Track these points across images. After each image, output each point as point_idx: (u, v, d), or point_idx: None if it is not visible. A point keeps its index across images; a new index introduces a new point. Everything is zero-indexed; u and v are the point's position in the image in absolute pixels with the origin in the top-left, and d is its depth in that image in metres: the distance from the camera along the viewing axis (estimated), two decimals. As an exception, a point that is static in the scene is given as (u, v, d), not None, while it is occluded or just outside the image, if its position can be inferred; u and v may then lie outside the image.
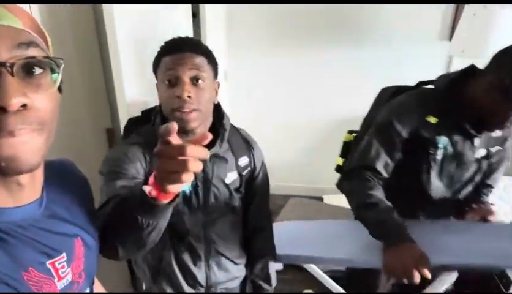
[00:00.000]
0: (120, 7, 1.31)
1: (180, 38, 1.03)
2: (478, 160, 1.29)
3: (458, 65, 2.57)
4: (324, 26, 2.65)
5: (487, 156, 1.30)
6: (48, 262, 0.57)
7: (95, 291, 0.73)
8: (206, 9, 2.14)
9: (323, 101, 2.88)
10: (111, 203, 0.80)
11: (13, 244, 0.53)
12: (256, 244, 1.25)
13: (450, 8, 2.46)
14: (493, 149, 1.30)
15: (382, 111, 1.31)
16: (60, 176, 0.68)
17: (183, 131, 0.98)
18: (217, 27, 2.41)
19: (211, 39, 2.26)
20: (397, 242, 1.09)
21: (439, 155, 1.24)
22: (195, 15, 2.05)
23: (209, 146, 1.01)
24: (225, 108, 1.16)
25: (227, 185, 1.12)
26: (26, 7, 1.10)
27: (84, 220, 0.67)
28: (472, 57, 2.07)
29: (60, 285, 0.59)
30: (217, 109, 1.10)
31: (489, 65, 1.16)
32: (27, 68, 0.48)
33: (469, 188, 1.35)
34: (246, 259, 1.26)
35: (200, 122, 1.00)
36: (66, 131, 1.37)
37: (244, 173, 1.16)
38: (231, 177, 1.12)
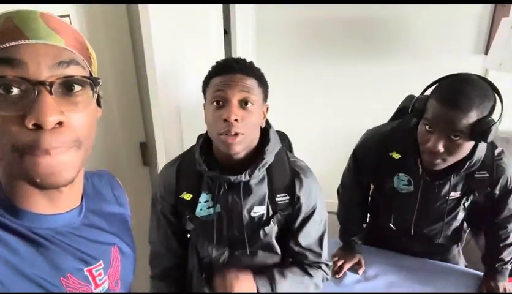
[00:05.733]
0: (156, 20, 1.35)
1: (232, 59, 1.01)
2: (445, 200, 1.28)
3: (495, 79, 2.51)
4: (354, 40, 2.63)
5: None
6: (85, 269, 0.59)
7: None
8: (237, 26, 2.18)
9: (352, 115, 2.84)
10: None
11: (53, 250, 0.54)
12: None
13: (485, 21, 2.40)
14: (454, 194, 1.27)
15: (361, 138, 1.41)
16: (98, 186, 0.70)
17: (225, 155, 0.96)
18: (247, 43, 2.45)
19: (241, 55, 2.30)
20: None
21: (399, 190, 1.31)
22: (226, 32, 2.10)
23: (237, 172, 0.97)
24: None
25: (253, 219, 1.02)
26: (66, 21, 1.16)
27: (120, 229, 0.69)
28: (510, 70, 2.00)
29: (97, 292, 0.60)
30: (264, 134, 1.02)
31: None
32: (66, 86, 0.49)
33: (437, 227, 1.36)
34: None
35: (244, 147, 0.95)
36: (100, 145, 1.41)
37: (281, 212, 1.03)
38: (258, 211, 1.02)
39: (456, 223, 1.35)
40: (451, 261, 1.47)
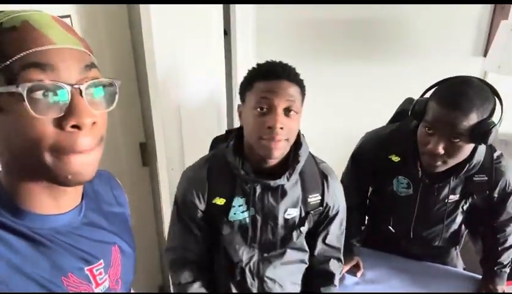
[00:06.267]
0: (157, 21, 1.35)
1: (277, 63, 1.00)
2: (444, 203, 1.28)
3: (494, 82, 2.52)
4: (354, 40, 2.64)
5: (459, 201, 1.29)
6: (86, 268, 0.59)
7: None
8: (237, 26, 2.19)
9: (352, 115, 2.85)
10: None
11: (54, 249, 0.55)
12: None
13: (484, 23, 2.40)
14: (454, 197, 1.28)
15: (360, 141, 1.42)
16: (98, 186, 0.70)
17: (260, 158, 0.97)
18: (247, 44, 2.46)
19: (241, 55, 2.31)
20: None
21: (398, 193, 1.31)
22: (226, 33, 2.10)
23: (276, 176, 0.98)
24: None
25: (287, 221, 1.05)
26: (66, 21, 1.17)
27: (120, 228, 0.69)
28: (509, 73, 2.01)
29: (97, 291, 0.60)
30: (296, 137, 1.03)
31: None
32: (93, 89, 0.52)
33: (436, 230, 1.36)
34: None
35: (283, 152, 0.97)
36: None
37: (313, 212, 1.08)
38: (292, 213, 1.05)
39: (455, 226, 1.36)
40: (449, 263, 1.47)
